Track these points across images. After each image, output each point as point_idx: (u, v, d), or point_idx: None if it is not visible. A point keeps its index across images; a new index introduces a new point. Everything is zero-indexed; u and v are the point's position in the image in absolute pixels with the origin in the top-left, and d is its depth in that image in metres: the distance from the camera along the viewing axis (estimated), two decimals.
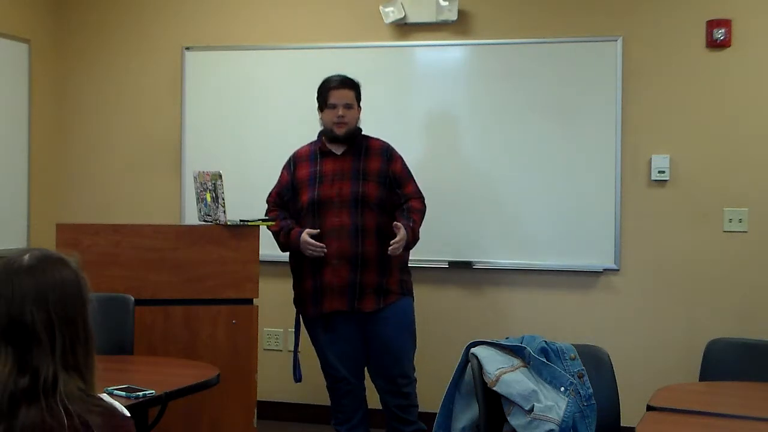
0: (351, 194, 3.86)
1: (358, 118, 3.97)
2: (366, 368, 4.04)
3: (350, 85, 3.95)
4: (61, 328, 1.58)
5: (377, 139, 4.03)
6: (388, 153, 3.98)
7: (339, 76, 3.97)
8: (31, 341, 1.56)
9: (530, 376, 2.70)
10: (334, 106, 3.89)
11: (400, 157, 4.01)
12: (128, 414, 1.68)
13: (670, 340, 4.56)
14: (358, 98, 3.97)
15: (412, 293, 4.04)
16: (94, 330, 1.66)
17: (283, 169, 4.07)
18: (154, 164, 5.20)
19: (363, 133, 4.00)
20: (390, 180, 3.93)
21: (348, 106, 3.90)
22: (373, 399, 4.11)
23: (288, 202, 4.00)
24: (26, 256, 1.61)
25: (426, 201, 4.03)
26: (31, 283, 1.58)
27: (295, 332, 4.10)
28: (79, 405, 1.55)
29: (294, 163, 4.03)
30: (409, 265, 4.05)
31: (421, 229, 3.94)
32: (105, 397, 1.67)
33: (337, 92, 3.90)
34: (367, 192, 3.87)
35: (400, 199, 3.94)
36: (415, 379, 4.03)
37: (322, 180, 3.91)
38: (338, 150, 3.95)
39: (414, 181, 4.02)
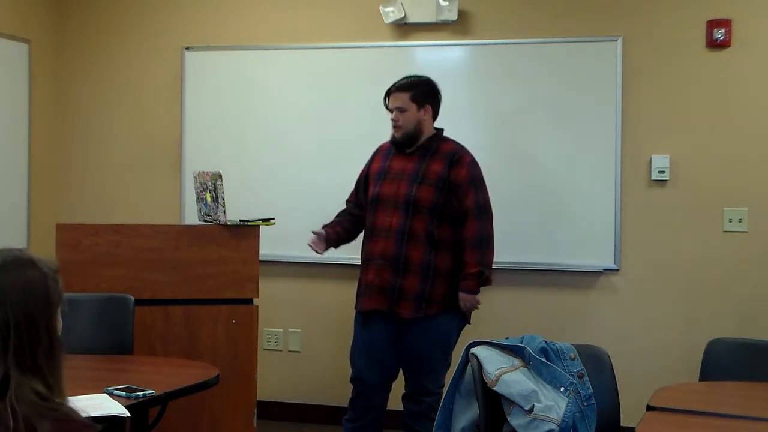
0: (404, 196, 3.77)
1: (420, 120, 3.83)
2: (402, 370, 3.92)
3: (405, 87, 3.85)
4: (19, 330, 1.57)
5: (451, 143, 3.89)
6: (454, 158, 3.80)
7: (403, 78, 3.90)
8: None
9: (530, 376, 2.70)
10: (391, 111, 3.87)
11: (469, 164, 3.81)
12: (128, 414, 1.68)
13: (670, 340, 4.56)
14: (418, 99, 3.82)
15: (461, 309, 3.81)
16: (60, 334, 1.64)
17: (367, 161, 4.06)
18: (154, 164, 5.20)
19: (444, 134, 3.91)
20: (449, 186, 3.77)
21: (401, 110, 3.82)
22: (394, 400, 4.00)
23: (364, 194, 3.98)
24: None
25: (493, 208, 3.86)
26: None
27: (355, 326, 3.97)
28: (29, 408, 1.52)
29: (374, 155, 4.02)
30: None
31: None
32: (104, 398, 1.66)
33: (391, 97, 3.86)
34: (420, 196, 3.75)
35: (456, 210, 3.77)
36: (438, 393, 3.83)
37: (386, 177, 3.86)
38: (409, 148, 3.88)
39: (479, 191, 3.79)
